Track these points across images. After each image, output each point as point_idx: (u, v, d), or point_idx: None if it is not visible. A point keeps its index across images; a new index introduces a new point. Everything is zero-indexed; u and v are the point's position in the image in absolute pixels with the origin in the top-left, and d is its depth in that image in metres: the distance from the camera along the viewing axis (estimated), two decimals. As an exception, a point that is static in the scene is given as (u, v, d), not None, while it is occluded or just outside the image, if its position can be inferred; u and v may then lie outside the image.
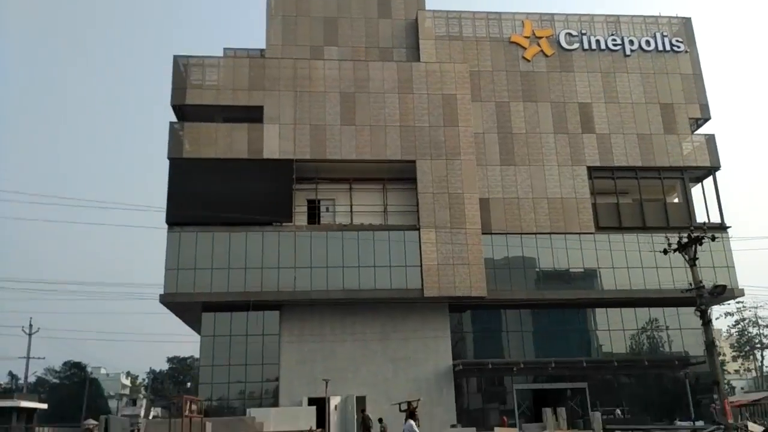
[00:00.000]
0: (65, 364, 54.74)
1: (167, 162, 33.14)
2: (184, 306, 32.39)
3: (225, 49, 37.85)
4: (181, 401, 18.16)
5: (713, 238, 21.23)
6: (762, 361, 72.06)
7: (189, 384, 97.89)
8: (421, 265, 33.06)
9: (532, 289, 34.84)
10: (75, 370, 55.04)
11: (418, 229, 33.74)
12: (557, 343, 35.47)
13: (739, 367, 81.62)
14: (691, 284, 19.91)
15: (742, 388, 71.05)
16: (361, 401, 31.28)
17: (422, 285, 32.74)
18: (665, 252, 20.64)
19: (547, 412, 29.52)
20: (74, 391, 50.84)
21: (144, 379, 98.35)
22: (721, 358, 60.95)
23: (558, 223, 35.44)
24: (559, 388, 34.55)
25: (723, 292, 22.02)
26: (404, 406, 25.15)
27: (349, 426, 29.85)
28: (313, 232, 33.41)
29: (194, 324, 35.77)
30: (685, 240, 20.18)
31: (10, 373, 58.68)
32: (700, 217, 37.37)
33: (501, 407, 34.19)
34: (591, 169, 36.77)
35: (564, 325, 35.99)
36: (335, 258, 32.79)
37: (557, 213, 35.64)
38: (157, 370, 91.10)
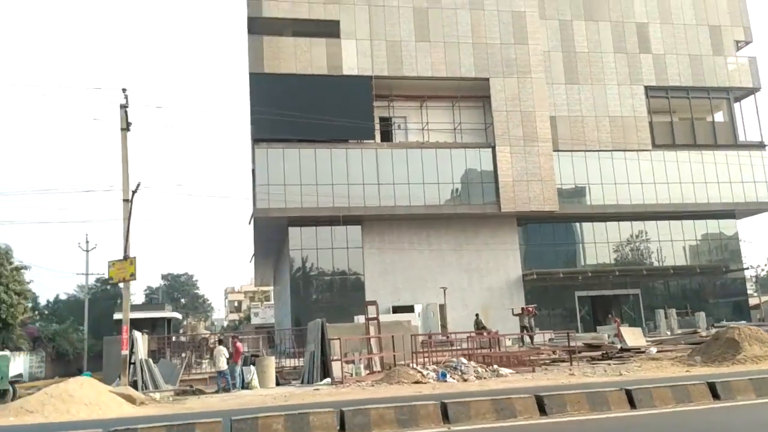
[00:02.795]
0: (97, 280, 54.70)
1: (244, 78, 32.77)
2: (270, 221, 32.98)
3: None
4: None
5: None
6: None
7: (184, 300, 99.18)
8: (496, 182, 34.40)
9: (594, 204, 36.80)
10: (106, 286, 55.16)
11: (492, 147, 34.83)
12: (612, 253, 38.06)
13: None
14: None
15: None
16: (442, 309, 33.28)
17: (498, 200, 34.24)
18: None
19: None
20: (104, 308, 51.32)
21: (133, 293, 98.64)
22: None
23: (619, 141, 37.06)
24: (616, 294, 37.36)
25: None
26: (517, 311, 27.24)
27: (431, 330, 31.85)
28: (393, 150, 34.08)
29: (268, 238, 36.44)
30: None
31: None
32: (741, 136, 39.78)
33: (563, 312, 36.86)
34: (647, 89, 38.19)
35: (617, 236, 38.37)
36: (415, 175, 33.74)
37: (618, 131, 37.17)
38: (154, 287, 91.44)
